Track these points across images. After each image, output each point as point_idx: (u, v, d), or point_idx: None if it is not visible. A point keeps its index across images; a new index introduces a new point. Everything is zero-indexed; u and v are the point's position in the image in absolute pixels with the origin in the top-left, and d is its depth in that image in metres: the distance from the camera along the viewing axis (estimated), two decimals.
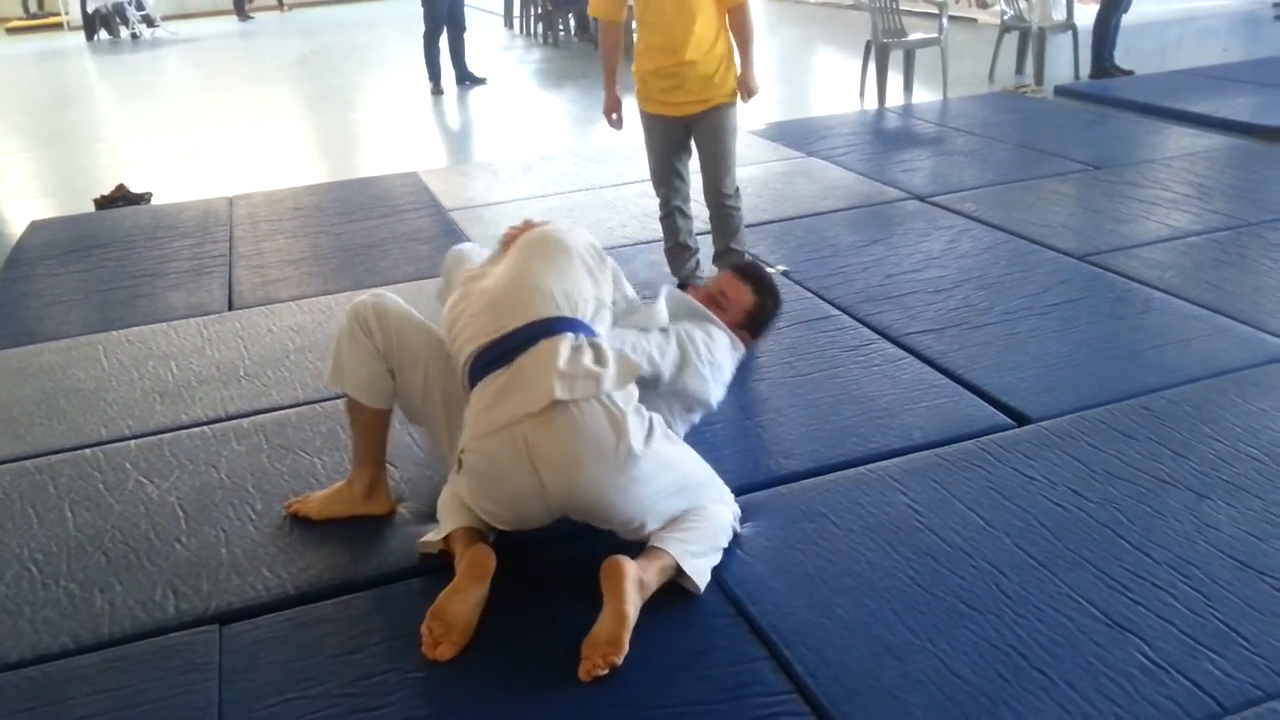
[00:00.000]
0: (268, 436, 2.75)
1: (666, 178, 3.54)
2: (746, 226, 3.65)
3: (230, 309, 3.73)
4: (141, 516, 2.42)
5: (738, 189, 3.53)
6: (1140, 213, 4.22)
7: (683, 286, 3.40)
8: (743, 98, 3.43)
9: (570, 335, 1.99)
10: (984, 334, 3.12)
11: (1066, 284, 3.47)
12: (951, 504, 2.26)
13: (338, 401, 2.89)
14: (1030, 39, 7.12)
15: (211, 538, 2.32)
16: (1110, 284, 3.46)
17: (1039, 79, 6.99)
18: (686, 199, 3.60)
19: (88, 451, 2.74)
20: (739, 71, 3.40)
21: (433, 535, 2.10)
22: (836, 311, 3.35)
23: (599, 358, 1.98)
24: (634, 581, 1.85)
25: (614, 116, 3.56)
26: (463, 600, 1.88)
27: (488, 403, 1.95)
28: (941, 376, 2.86)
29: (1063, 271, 3.59)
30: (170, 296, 3.90)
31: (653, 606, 1.92)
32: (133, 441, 2.78)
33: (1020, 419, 2.63)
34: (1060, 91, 6.71)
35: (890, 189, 4.70)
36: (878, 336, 3.14)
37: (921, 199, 4.52)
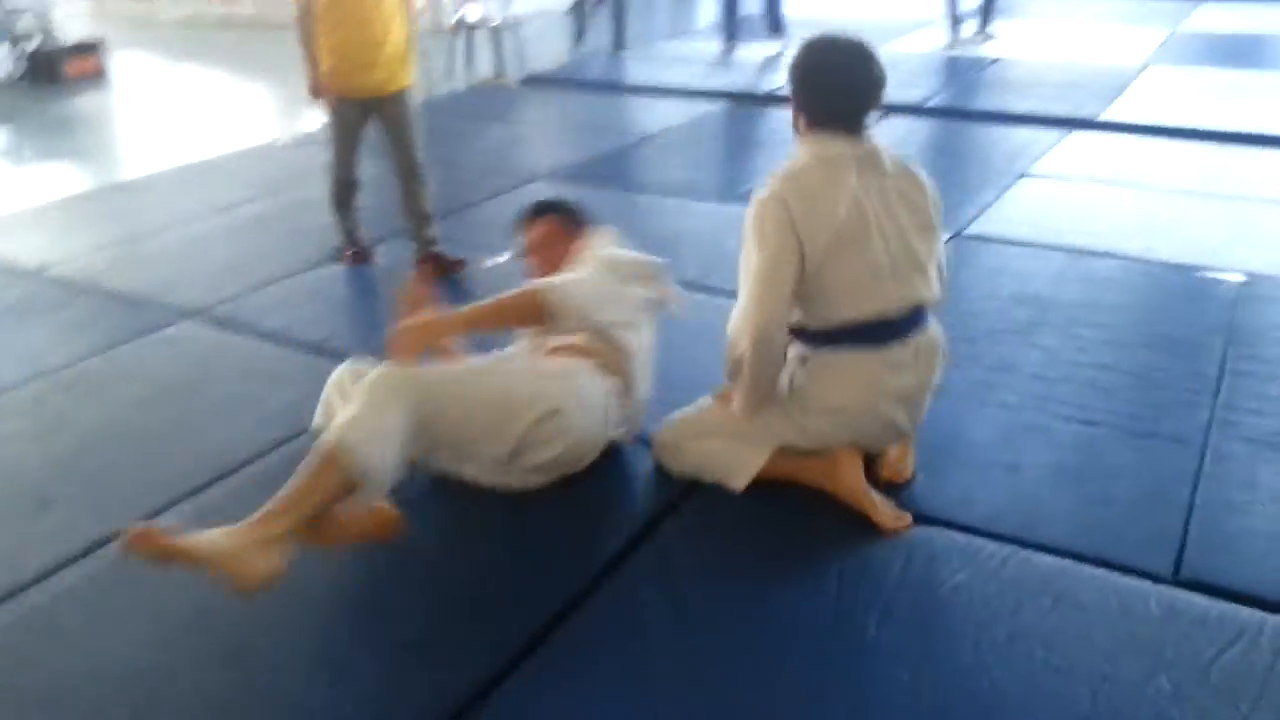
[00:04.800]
0: None
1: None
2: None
3: None
4: None
5: None
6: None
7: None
8: None
9: None
10: None
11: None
12: None
13: None
14: (492, 38, 7.64)
15: None
16: None
17: (502, 72, 7.58)
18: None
19: None
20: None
21: (742, 475, 2.28)
22: None
23: None
24: None
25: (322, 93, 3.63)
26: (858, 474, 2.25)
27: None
28: None
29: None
30: None
31: None
32: None
33: None
34: (528, 81, 7.39)
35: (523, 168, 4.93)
36: None
37: (549, 178, 4.84)
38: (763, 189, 2.15)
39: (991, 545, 2.10)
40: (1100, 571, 2.01)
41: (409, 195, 3.73)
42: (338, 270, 3.77)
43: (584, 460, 2.34)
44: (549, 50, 7.98)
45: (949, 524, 2.18)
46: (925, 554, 2.08)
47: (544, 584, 2.05)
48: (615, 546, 2.15)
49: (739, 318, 2.20)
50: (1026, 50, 7.51)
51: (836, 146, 2.15)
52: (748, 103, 6.34)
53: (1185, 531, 2.12)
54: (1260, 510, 2.18)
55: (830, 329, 2.19)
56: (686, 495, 2.32)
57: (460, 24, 7.70)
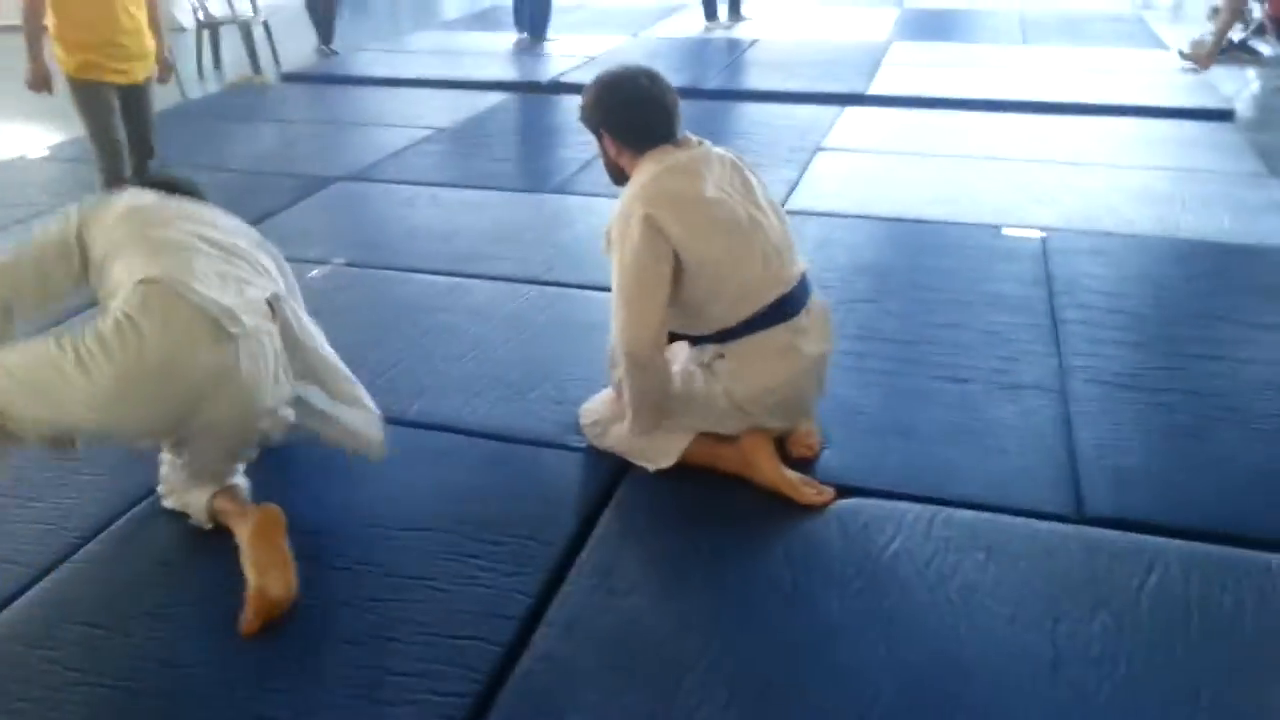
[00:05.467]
0: None
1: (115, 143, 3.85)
2: None
3: None
4: None
5: None
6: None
7: None
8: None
9: None
10: None
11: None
12: None
13: None
14: (241, 34, 7.11)
15: None
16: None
17: (257, 69, 7.07)
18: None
19: None
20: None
21: (664, 459, 2.25)
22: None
23: None
24: None
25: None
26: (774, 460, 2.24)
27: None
28: None
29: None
30: None
31: None
32: None
33: None
34: (288, 78, 6.94)
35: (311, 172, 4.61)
36: None
37: (351, 179, 4.57)
38: (624, 206, 2.11)
39: (915, 508, 2.17)
40: (1018, 520, 2.13)
41: (137, 170, 3.91)
42: None
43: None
44: (302, 45, 7.54)
45: (867, 492, 2.24)
46: (857, 524, 2.13)
47: (497, 601, 1.93)
48: (554, 555, 2.07)
49: (614, 336, 2.19)
50: (779, 31, 7.84)
51: (677, 155, 2.16)
52: (535, 92, 6.28)
53: (1075, 472, 2.28)
54: (1130, 445, 2.38)
55: (740, 324, 2.18)
56: (608, 496, 2.25)
57: (204, 21, 7.14)
